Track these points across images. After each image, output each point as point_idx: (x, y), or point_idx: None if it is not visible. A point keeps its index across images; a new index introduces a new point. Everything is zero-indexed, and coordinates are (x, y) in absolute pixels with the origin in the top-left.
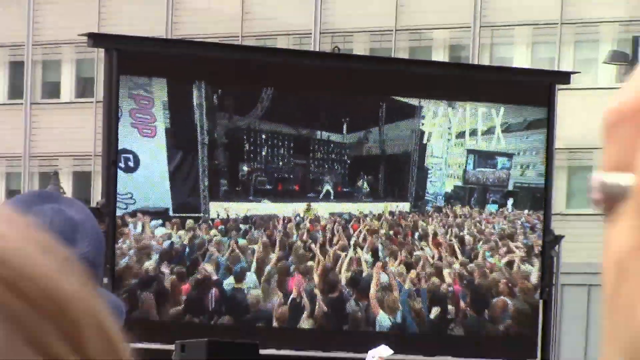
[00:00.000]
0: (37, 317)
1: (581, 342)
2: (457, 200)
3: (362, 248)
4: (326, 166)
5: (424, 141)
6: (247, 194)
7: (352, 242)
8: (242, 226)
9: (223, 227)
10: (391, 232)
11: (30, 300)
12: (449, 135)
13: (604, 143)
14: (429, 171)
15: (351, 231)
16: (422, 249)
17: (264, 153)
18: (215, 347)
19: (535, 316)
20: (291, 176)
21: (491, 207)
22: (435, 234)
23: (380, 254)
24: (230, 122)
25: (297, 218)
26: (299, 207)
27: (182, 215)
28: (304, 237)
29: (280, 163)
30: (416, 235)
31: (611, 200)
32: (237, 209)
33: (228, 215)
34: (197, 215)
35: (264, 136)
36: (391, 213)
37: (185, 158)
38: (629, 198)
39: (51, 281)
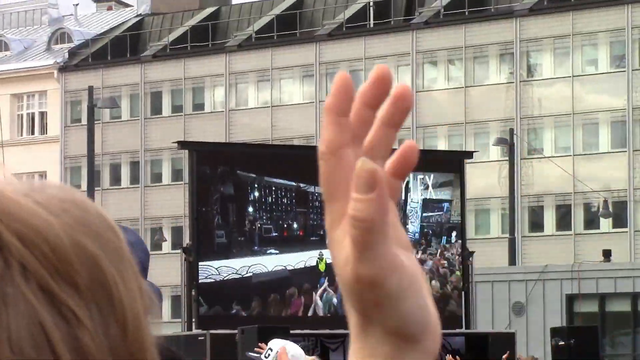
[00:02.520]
0: (30, 254)
1: (489, 318)
2: (423, 237)
3: None
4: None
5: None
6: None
7: None
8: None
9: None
10: None
11: (29, 243)
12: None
13: None
14: (409, 215)
15: None
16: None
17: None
18: (263, 330)
19: (460, 301)
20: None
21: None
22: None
23: None
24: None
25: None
26: (311, 256)
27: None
28: None
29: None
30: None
31: None
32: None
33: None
34: None
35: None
36: None
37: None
38: None
39: (50, 231)
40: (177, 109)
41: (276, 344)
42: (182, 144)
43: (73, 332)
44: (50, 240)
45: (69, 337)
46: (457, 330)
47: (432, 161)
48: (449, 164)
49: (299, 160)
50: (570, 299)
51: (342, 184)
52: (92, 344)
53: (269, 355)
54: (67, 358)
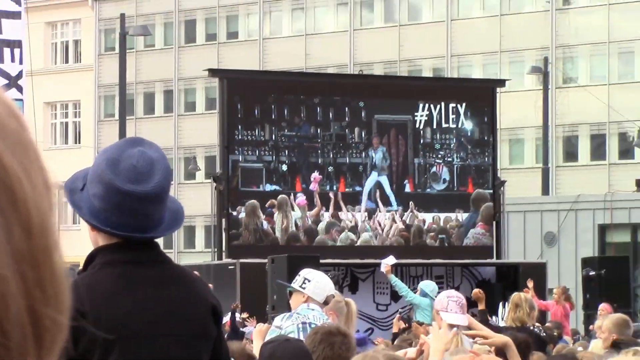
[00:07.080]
0: None
1: (521, 248)
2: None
3: None
4: None
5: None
6: None
7: None
8: None
9: None
10: None
11: None
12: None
13: None
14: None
15: None
16: None
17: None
18: (292, 259)
19: (492, 231)
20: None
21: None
22: None
23: None
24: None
25: None
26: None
27: None
28: None
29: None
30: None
31: None
32: None
33: None
34: None
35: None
36: None
37: None
38: None
39: None
40: (211, 37)
41: (305, 271)
42: (214, 72)
43: None
44: None
45: None
46: (488, 260)
47: (465, 90)
48: (481, 93)
49: (332, 88)
50: (603, 229)
51: None
52: None
53: (296, 280)
54: None
